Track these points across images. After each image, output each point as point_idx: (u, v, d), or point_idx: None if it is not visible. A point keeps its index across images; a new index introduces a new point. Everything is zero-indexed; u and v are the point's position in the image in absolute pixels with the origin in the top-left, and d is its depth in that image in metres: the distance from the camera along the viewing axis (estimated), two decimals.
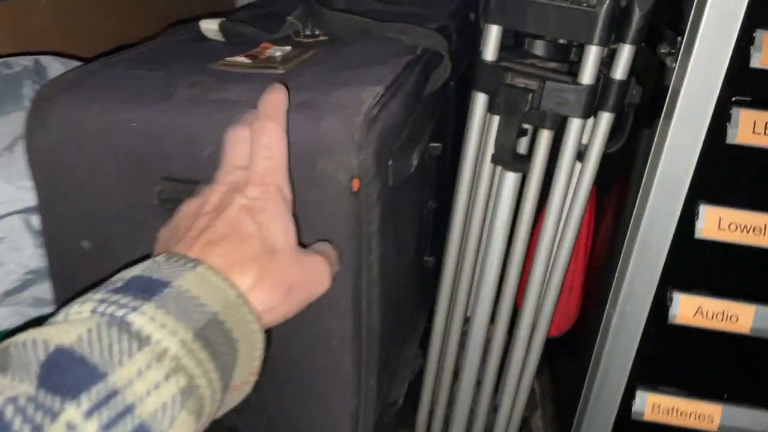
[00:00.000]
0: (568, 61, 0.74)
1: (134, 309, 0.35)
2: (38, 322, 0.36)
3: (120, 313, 0.34)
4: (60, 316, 0.36)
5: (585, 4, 0.64)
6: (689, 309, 0.66)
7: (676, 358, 0.70)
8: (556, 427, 0.99)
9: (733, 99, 0.58)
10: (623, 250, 0.67)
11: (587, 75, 0.67)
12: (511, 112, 0.69)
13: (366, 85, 0.60)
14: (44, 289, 0.66)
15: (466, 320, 0.88)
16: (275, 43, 0.75)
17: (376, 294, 0.62)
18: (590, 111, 0.69)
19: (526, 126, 0.76)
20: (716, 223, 0.62)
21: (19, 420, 0.29)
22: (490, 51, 0.72)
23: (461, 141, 0.82)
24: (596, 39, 0.65)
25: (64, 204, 0.60)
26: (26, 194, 0.63)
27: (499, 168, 0.77)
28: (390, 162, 0.61)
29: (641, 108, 0.73)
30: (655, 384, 0.71)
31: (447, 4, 1.14)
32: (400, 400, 0.77)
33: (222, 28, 0.80)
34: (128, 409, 0.31)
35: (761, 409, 0.69)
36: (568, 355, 1.00)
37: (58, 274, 0.63)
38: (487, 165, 0.77)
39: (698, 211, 0.62)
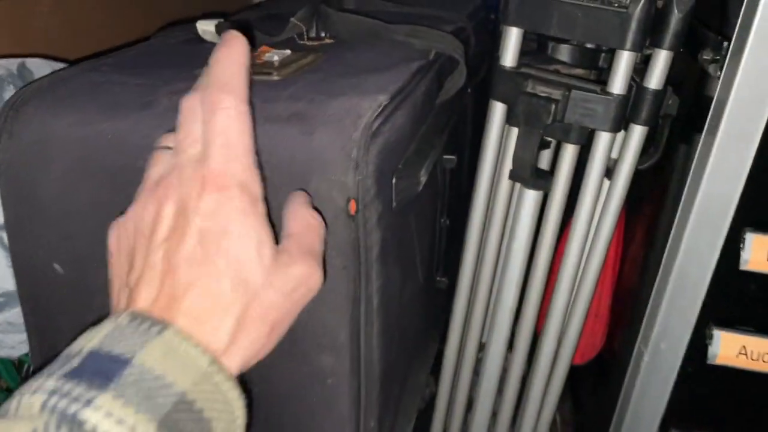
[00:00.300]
0: (597, 68, 0.66)
1: (88, 402, 0.29)
2: None
3: (72, 409, 0.29)
4: (12, 405, 0.31)
5: (616, 5, 0.57)
6: (732, 348, 0.58)
7: (715, 402, 0.63)
8: None
9: None
10: (657, 281, 0.59)
11: (618, 84, 0.59)
12: (532, 124, 0.62)
13: (368, 94, 0.54)
14: (19, 313, 0.60)
15: (481, 346, 0.81)
16: (275, 47, 0.69)
17: (376, 328, 0.55)
18: (621, 124, 0.62)
19: (548, 138, 0.68)
20: (765, 253, 0.54)
21: None
22: (509, 56, 0.66)
23: (479, 153, 0.75)
24: (629, 44, 0.58)
25: (33, 222, 0.54)
26: None
27: (518, 184, 0.70)
28: (394, 180, 0.54)
29: (678, 120, 0.65)
30: (692, 429, 0.63)
31: (465, 5, 1.07)
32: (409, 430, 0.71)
33: (219, 29, 0.74)
34: None
35: None
36: (594, 385, 0.92)
37: (28, 299, 0.57)
38: (505, 181, 0.70)
39: (744, 240, 0.54)
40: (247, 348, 0.37)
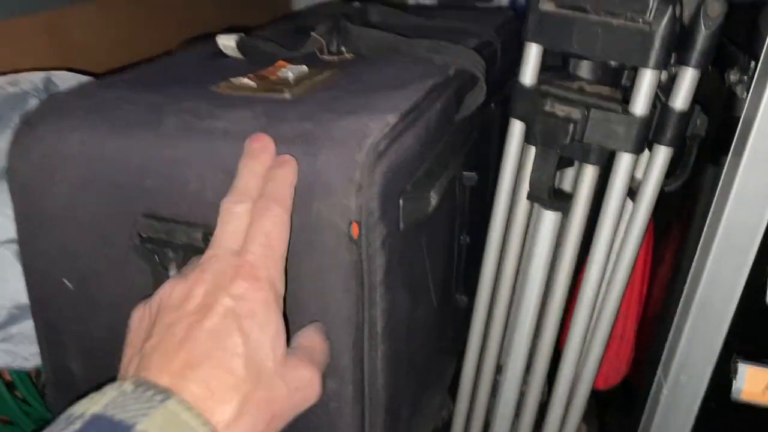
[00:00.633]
0: (620, 86, 0.64)
1: None
2: None
3: None
4: None
5: (639, 21, 0.55)
6: (758, 384, 0.55)
7: None
8: None
9: None
10: (680, 309, 0.56)
11: (640, 103, 0.57)
12: (549, 145, 0.60)
13: (376, 113, 0.53)
14: (32, 325, 0.61)
15: (499, 368, 0.79)
16: (293, 61, 0.69)
17: (381, 352, 0.54)
18: (643, 145, 0.59)
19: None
20: None
21: None
22: (528, 73, 0.64)
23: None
24: (652, 62, 0.55)
25: (42, 237, 0.55)
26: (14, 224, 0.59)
27: (536, 204, 0.68)
28: (401, 202, 0.53)
29: (707, 141, 0.62)
30: None
31: (495, 19, 1.06)
32: None
33: (240, 44, 0.75)
34: None
35: None
36: (619, 412, 0.89)
37: (39, 312, 0.58)
38: (523, 201, 0.68)
39: None
40: (246, 430, 0.37)
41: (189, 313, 0.38)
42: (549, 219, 0.66)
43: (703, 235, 0.53)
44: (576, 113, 0.59)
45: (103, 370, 0.58)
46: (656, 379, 0.60)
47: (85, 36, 1.01)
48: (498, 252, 0.72)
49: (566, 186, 0.77)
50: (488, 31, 0.95)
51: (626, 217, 0.66)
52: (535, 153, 0.62)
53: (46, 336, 0.59)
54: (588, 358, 0.71)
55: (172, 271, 0.50)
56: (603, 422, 0.99)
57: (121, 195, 0.51)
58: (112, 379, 0.54)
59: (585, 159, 0.61)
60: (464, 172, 0.79)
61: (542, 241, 0.67)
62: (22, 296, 0.60)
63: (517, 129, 0.66)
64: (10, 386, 0.66)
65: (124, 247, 0.52)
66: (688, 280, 0.55)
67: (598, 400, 1.03)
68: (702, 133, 0.63)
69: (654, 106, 0.59)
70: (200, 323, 0.38)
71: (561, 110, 0.60)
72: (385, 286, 0.52)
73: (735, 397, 0.56)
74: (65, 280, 0.56)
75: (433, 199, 0.58)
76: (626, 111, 0.58)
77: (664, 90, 0.61)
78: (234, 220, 0.43)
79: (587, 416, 1.05)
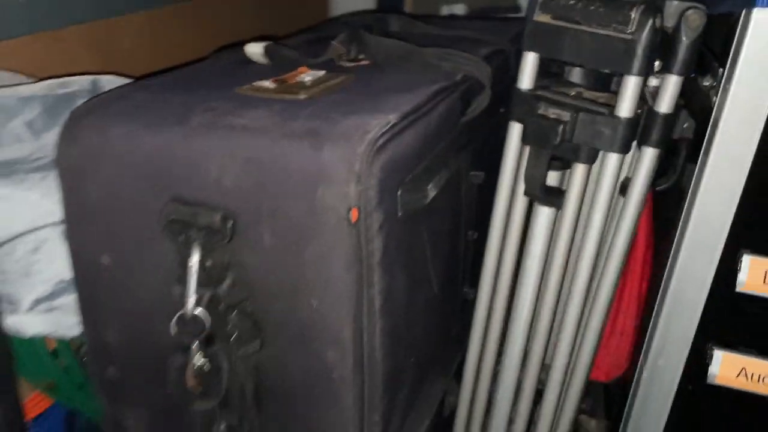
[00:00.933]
0: (610, 91, 0.69)
1: None
2: None
3: None
4: None
5: (623, 32, 0.60)
6: (732, 369, 0.59)
7: (716, 424, 0.63)
8: None
9: None
10: (658, 298, 0.61)
11: (625, 107, 0.62)
12: (541, 144, 0.65)
13: (379, 113, 0.59)
14: (73, 298, 0.69)
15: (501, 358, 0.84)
16: (313, 68, 0.76)
17: (379, 328, 0.59)
18: (628, 145, 0.64)
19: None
20: (761, 276, 0.55)
21: None
22: (525, 79, 0.69)
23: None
24: (635, 69, 0.60)
25: (85, 220, 0.62)
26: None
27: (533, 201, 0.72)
28: (399, 192, 0.59)
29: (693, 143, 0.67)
30: None
31: (512, 28, 1.11)
32: None
33: (266, 51, 0.82)
34: None
35: None
36: (622, 403, 0.93)
37: (81, 286, 0.65)
38: (521, 198, 0.73)
39: (741, 262, 0.55)
40: None
41: None
42: (544, 214, 0.71)
43: (678, 229, 0.58)
44: (566, 115, 0.64)
45: (135, 340, 0.66)
46: (638, 364, 0.64)
47: (132, 45, 1.10)
48: (499, 246, 0.77)
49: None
50: (502, 40, 1.01)
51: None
52: (529, 152, 0.67)
53: (86, 308, 0.66)
54: (582, 349, 0.75)
55: (195, 250, 0.57)
56: (611, 418, 1.03)
57: (152, 182, 0.59)
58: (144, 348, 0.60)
59: (575, 158, 0.66)
60: (472, 172, 0.84)
61: (537, 235, 0.72)
62: (66, 273, 0.68)
63: (515, 130, 0.71)
64: (53, 354, 0.74)
65: (155, 229, 0.59)
66: (665, 272, 0.59)
67: (606, 397, 1.06)
68: (690, 136, 0.67)
69: (640, 110, 0.64)
70: None
71: (553, 113, 0.65)
72: (383, 268, 0.58)
73: (710, 381, 0.60)
74: (103, 258, 0.63)
75: (431, 192, 0.64)
76: (612, 114, 0.63)
77: (654, 94, 0.65)
78: None
79: (596, 412, 1.08)
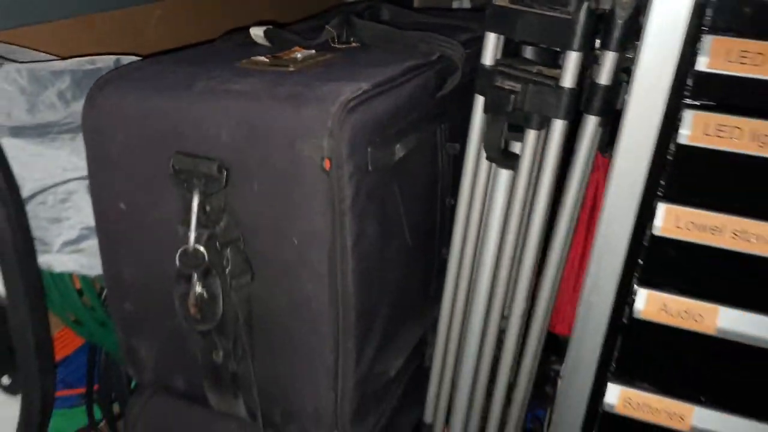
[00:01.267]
0: (559, 67, 0.78)
1: None
2: None
3: None
4: None
5: (564, 13, 0.69)
6: (654, 305, 0.68)
7: (649, 355, 0.72)
8: None
9: (685, 101, 0.60)
10: (593, 245, 0.70)
11: (567, 79, 0.71)
12: (496, 112, 0.75)
13: (354, 82, 0.69)
14: (96, 243, 0.80)
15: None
16: (307, 48, 0.86)
17: (350, 266, 0.70)
18: (572, 113, 0.73)
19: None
20: (674, 221, 0.64)
21: None
22: (487, 56, 0.79)
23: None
24: (575, 45, 0.69)
25: (106, 172, 0.74)
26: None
27: (494, 166, 0.82)
28: (369, 150, 0.69)
29: None
30: (630, 379, 0.73)
31: None
32: (392, 371, 0.84)
33: (266, 34, 0.93)
34: None
35: (734, 414, 0.69)
36: None
37: (102, 228, 0.77)
38: (484, 162, 0.82)
39: (656, 209, 0.65)
40: None
41: None
42: (503, 176, 0.80)
43: (607, 182, 0.67)
44: (518, 87, 0.74)
45: (147, 276, 0.77)
46: (578, 303, 0.73)
47: (155, 32, 1.21)
48: (467, 207, 0.87)
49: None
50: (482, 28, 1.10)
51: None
52: (487, 119, 0.77)
53: (106, 249, 0.78)
54: (539, 297, 0.85)
55: (196, 196, 0.68)
56: None
57: (161, 139, 0.70)
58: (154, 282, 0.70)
59: (527, 125, 0.76)
60: (448, 143, 0.94)
61: (498, 197, 0.81)
62: (90, 220, 0.79)
63: (479, 102, 0.81)
64: (79, 293, 0.86)
65: (163, 178, 0.70)
66: (598, 221, 0.69)
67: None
68: None
69: (583, 81, 0.74)
70: None
71: (508, 85, 0.75)
72: (354, 213, 0.68)
73: (636, 315, 0.69)
74: (121, 205, 0.74)
75: (399, 152, 0.74)
76: (557, 85, 0.72)
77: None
78: None
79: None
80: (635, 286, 0.68)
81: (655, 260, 0.67)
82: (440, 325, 0.95)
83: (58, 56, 0.94)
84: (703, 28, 0.58)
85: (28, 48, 0.93)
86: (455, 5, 2.04)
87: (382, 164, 0.71)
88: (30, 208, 0.77)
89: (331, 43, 0.93)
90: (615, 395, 0.74)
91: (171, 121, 0.69)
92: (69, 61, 0.87)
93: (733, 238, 0.63)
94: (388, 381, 0.85)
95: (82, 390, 0.99)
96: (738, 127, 0.60)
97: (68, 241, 0.79)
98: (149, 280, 0.77)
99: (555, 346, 1.01)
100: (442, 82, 0.88)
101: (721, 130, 0.60)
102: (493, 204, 0.82)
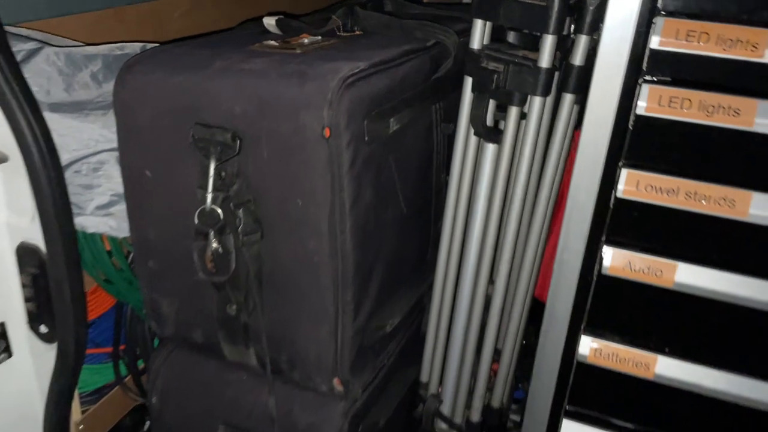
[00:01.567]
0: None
1: None
2: None
3: None
4: None
5: (540, 0, 0.78)
6: (619, 262, 0.76)
7: (616, 309, 0.80)
8: None
9: (642, 78, 0.68)
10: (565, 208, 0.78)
11: (544, 59, 0.79)
12: (481, 90, 0.84)
13: (353, 62, 0.78)
14: (124, 207, 0.90)
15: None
16: (313, 35, 0.95)
17: (348, 225, 0.78)
18: (548, 90, 0.81)
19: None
20: (635, 185, 0.72)
21: None
22: (475, 41, 0.87)
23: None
24: (550, 29, 0.78)
25: (133, 144, 0.83)
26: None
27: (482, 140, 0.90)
28: (365, 121, 0.78)
29: None
30: (600, 331, 0.81)
31: None
32: (389, 327, 0.93)
33: (278, 23, 1.02)
34: None
35: (694, 363, 0.77)
36: None
37: (130, 193, 0.86)
38: (473, 138, 0.91)
39: (619, 174, 0.72)
40: None
41: None
42: (489, 150, 0.89)
43: (577, 151, 0.75)
44: (501, 68, 0.82)
45: (168, 235, 0.86)
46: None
47: (179, 24, 1.31)
48: (458, 180, 0.95)
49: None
50: None
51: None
52: (473, 97, 0.86)
53: (133, 212, 0.87)
54: (524, 262, 0.93)
55: (213, 162, 0.77)
56: None
57: (182, 112, 0.79)
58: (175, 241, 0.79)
59: (509, 102, 0.84)
60: (443, 123, 1.03)
61: (485, 168, 0.90)
62: (119, 187, 0.89)
63: (468, 83, 0.89)
64: (109, 254, 0.96)
65: (184, 148, 0.79)
66: (569, 187, 0.77)
67: None
68: None
69: (560, 62, 0.82)
70: None
71: (492, 66, 0.83)
72: (351, 176, 0.77)
73: (605, 272, 0.77)
74: (147, 172, 0.84)
75: (393, 125, 0.83)
76: (535, 65, 0.80)
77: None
78: None
79: None
80: (603, 245, 0.76)
81: (619, 220, 0.75)
82: (434, 291, 1.04)
83: (90, 44, 1.04)
84: (655, 11, 0.66)
85: (62, 37, 1.03)
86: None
87: (378, 135, 0.80)
88: (66, 176, 0.87)
89: (337, 31, 1.02)
90: (587, 346, 0.82)
91: (191, 96, 0.78)
92: (101, 46, 0.97)
93: (687, 199, 0.71)
94: (384, 337, 0.93)
95: (108, 349, 1.09)
96: (688, 99, 0.68)
97: (100, 205, 0.89)
98: (171, 240, 0.87)
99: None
100: (437, 66, 0.96)
101: (674, 102, 0.68)
102: (480, 175, 0.91)
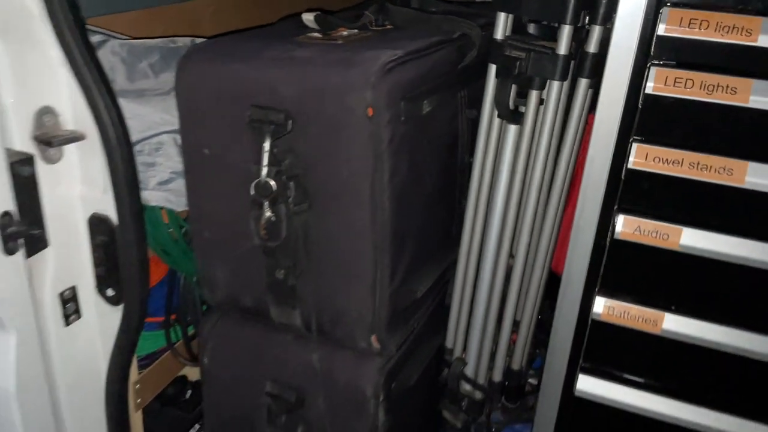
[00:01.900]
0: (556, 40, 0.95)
1: None
2: None
3: None
4: None
5: None
6: (630, 227, 0.85)
7: (627, 270, 0.89)
8: None
9: (650, 61, 0.77)
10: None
11: (562, 47, 0.89)
12: (504, 76, 0.93)
13: (391, 50, 0.87)
14: (181, 184, 1.00)
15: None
16: (351, 29, 1.05)
17: (387, 195, 0.88)
18: (566, 75, 0.90)
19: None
20: (643, 157, 0.81)
21: None
22: (498, 31, 0.96)
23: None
24: (567, 19, 0.87)
25: (193, 124, 0.93)
26: (175, 120, 0.97)
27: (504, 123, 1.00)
28: (402, 102, 0.87)
29: None
30: (612, 292, 0.90)
31: None
32: (419, 293, 1.02)
33: (316, 19, 1.11)
34: None
35: (698, 319, 0.86)
36: None
37: (189, 169, 0.96)
38: (496, 120, 1.00)
39: (630, 148, 0.82)
40: None
41: None
42: (511, 131, 0.98)
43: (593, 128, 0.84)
44: (522, 55, 0.92)
45: (224, 207, 0.96)
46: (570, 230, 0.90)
47: (213, 23, 1.41)
48: (482, 159, 1.04)
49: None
50: None
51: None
52: (497, 83, 0.95)
53: (191, 186, 0.97)
54: (542, 236, 1.02)
55: (267, 139, 0.87)
56: None
57: (238, 96, 0.89)
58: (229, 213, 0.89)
59: (530, 86, 0.93)
60: (467, 109, 1.12)
61: (508, 148, 0.99)
62: (177, 165, 0.99)
63: (492, 70, 0.99)
64: (167, 226, 1.06)
65: (239, 128, 0.89)
66: (585, 161, 0.86)
67: None
68: None
69: (577, 50, 0.91)
70: None
71: (514, 54, 0.93)
72: (390, 151, 0.86)
73: (617, 237, 0.86)
74: (205, 150, 0.94)
75: (426, 107, 0.92)
76: (554, 53, 0.90)
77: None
78: None
79: None
80: (616, 212, 0.85)
81: (630, 190, 0.84)
82: (459, 263, 1.13)
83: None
84: (661, 1, 0.75)
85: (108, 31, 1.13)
86: None
87: (413, 115, 0.90)
88: None
89: (369, 26, 1.12)
90: (601, 305, 0.91)
91: (246, 82, 0.88)
92: (156, 40, 1.07)
93: (690, 168, 0.80)
94: (415, 301, 1.03)
95: (159, 318, 1.19)
96: (691, 79, 0.77)
97: (160, 181, 0.99)
98: (226, 211, 0.96)
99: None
100: (463, 56, 1.06)
101: (678, 82, 0.77)
102: (503, 155, 1.00)
